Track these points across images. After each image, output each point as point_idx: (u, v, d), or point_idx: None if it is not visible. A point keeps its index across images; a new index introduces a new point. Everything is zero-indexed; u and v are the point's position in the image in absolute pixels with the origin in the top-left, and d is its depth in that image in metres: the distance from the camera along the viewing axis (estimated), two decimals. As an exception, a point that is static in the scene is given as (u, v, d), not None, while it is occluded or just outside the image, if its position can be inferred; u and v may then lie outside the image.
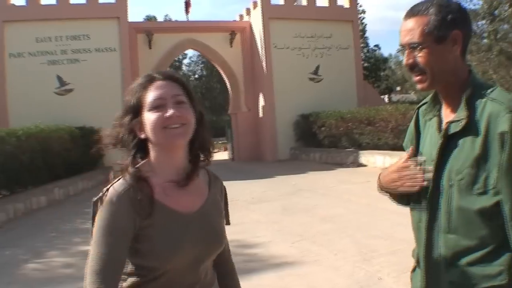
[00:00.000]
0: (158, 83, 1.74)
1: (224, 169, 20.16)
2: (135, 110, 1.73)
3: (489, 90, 1.77)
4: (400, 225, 7.79)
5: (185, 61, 66.31)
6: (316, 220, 8.96)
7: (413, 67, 1.84)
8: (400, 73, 55.62)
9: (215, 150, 2.10)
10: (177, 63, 67.00)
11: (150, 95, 1.71)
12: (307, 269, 6.07)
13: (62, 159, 15.12)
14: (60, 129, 16.07)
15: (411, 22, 1.82)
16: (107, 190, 1.70)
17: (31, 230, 9.96)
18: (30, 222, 11.00)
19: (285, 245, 7.25)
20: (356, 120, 18.42)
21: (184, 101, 1.73)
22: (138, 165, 1.72)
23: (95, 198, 1.74)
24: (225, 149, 30.97)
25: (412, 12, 1.84)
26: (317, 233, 7.87)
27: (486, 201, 1.69)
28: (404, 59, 1.88)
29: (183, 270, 1.72)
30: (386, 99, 36.39)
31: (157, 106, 1.69)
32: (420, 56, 1.80)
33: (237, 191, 13.03)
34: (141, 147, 1.76)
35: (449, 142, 1.81)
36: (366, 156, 17.81)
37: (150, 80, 1.77)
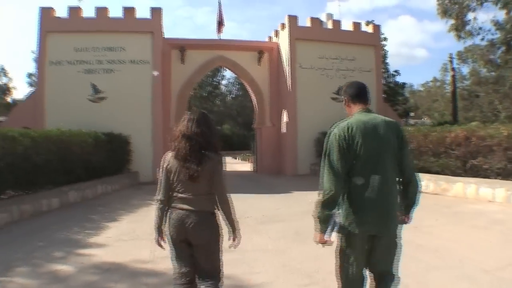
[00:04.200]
0: None
1: (243, 180, 18.88)
2: None
3: None
4: (434, 269, 5.43)
5: (223, 82, 66.97)
6: (333, 252, 6.49)
7: None
8: (412, 101, 53.20)
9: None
10: (216, 83, 66.58)
11: None
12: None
13: (83, 162, 13.43)
14: (83, 133, 14.42)
15: None
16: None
17: (23, 236, 8.14)
18: (29, 226, 9.19)
19: (287, 291, 4.87)
20: (376, 140, 15.91)
21: None
22: None
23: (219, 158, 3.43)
24: (250, 161, 29.12)
25: None
26: (332, 273, 5.41)
27: None
28: None
29: None
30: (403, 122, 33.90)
31: None
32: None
33: (250, 206, 10.80)
34: None
35: None
36: (385, 176, 15.33)
37: None
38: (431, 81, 57.87)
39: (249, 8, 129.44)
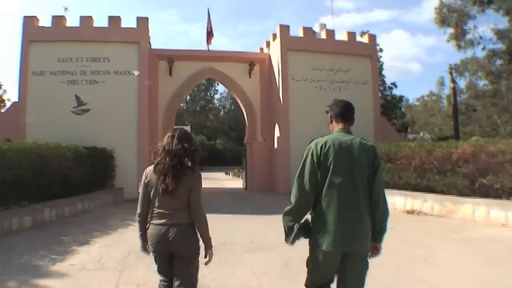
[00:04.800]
0: None
1: (233, 198, 18.08)
2: None
3: None
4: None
5: (216, 96, 66.81)
6: None
7: None
8: (409, 116, 52.60)
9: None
10: (209, 98, 66.11)
11: None
12: None
13: (60, 177, 12.44)
14: (62, 146, 13.36)
15: None
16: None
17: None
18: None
19: None
20: (374, 155, 14.83)
21: None
22: None
23: (197, 175, 3.55)
24: (242, 177, 28.12)
25: None
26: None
27: None
28: None
29: None
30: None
31: None
32: None
33: (236, 229, 9.81)
34: None
35: None
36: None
37: None
38: (427, 95, 57.35)
39: (242, 23, 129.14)
